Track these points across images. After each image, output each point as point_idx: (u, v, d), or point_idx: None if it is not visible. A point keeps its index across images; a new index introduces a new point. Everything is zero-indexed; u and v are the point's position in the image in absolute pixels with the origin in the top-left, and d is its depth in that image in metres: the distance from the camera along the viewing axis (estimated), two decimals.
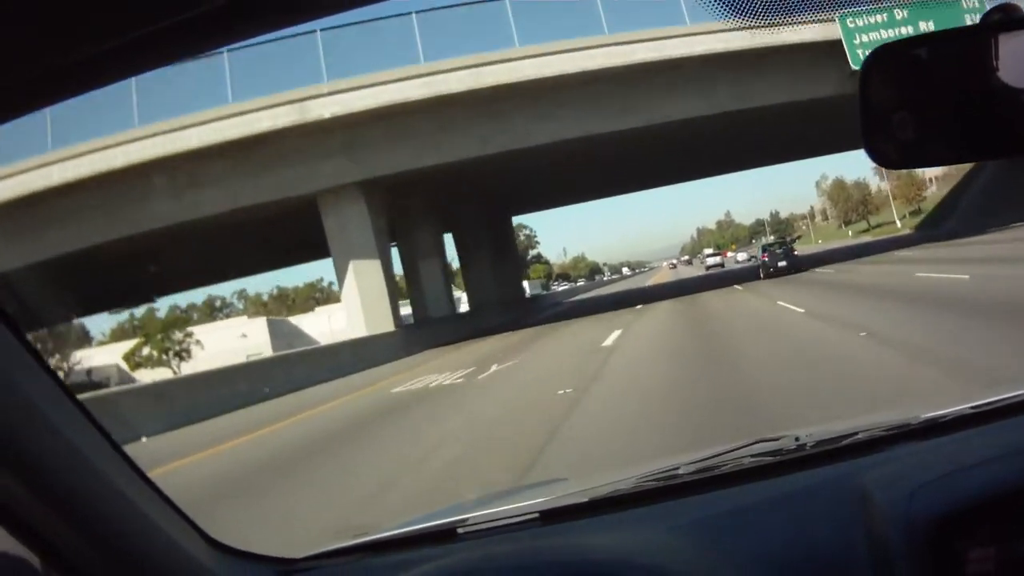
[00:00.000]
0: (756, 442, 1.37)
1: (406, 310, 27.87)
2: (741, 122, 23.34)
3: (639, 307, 22.55)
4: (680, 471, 1.31)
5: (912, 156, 0.87)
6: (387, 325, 21.54)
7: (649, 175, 38.07)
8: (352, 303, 21.98)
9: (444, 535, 1.30)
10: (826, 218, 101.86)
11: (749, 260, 43.04)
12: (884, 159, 0.85)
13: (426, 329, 24.95)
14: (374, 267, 21.62)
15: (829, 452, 1.24)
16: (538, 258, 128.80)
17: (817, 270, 24.21)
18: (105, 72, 0.70)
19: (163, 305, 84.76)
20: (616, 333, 14.91)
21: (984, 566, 0.88)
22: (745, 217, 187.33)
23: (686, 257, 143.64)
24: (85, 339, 50.13)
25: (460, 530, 1.29)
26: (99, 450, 0.94)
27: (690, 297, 23.01)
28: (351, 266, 21.63)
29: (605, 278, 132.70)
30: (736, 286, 23.63)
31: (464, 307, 38.39)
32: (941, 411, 1.28)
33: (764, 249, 27.99)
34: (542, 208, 48.62)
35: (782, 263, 25.46)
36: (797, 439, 1.32)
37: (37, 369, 0.88)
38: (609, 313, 22.22)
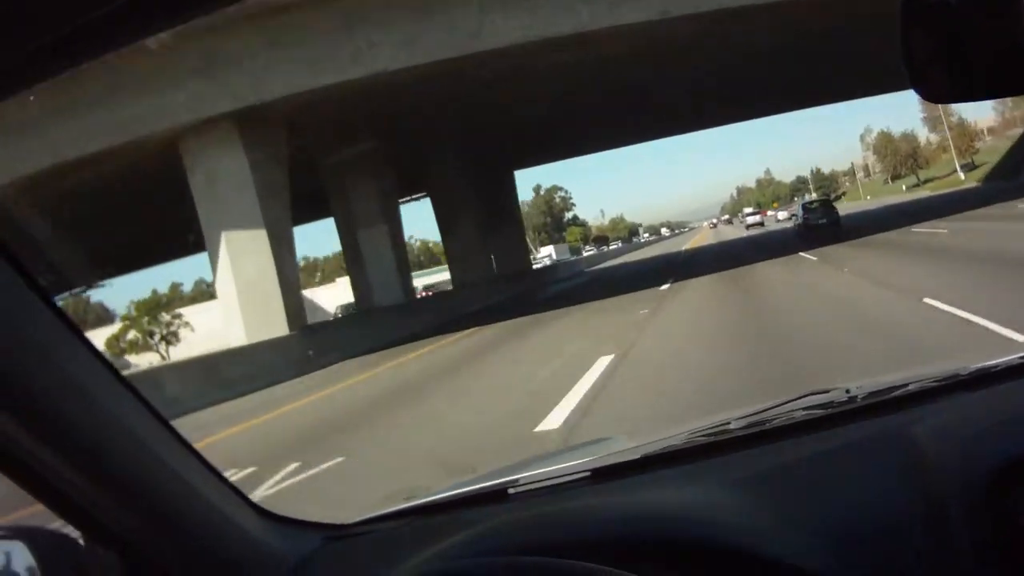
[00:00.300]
0: (806, 395, 1.35)
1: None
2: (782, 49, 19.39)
3: (667, 286, 16.03)
4: (731, 426, 1.31)
5: (961, 88, 0.82)
6: (277, 327, 14.38)
7: (676, 115, 30.54)
8: (227, 295, 14.84)
9: (495, 496, 1.31)
10: (869, 173, 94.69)
11: (790, 219, 42.07)
12: (931, 92, 0.83)
13: (358, 327, 18.02)
14: (257, 241, 14.40)
15: (880, 404, 1.24)
16: (574, 220, 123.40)
17: (914, 229, 17.79)
18: None
19: None
20: (605, 361, 7.61)
21: None
22: (786, 174, 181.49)
23: (726, 216, 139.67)
24: None
25: (511, 491, 1.30)
26: (139, 418, 0.95)
27: (738, 272, 16.13)
28: (223, 240, 14.52)
29: (642, 240, 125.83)
30: (804, 253, 16.91)
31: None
32: (991, 362, 1.26)
33: (803, 207, 28.06)
34: (552, 158, 40.92)
35: (822, 221, 25.33)
36: (848, 391, 1.31)
37: (72, 338, 0.87)
38: (624, 297, 15.55)
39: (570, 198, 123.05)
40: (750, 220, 64.08)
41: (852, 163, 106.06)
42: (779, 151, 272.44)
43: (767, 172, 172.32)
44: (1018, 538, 0.85)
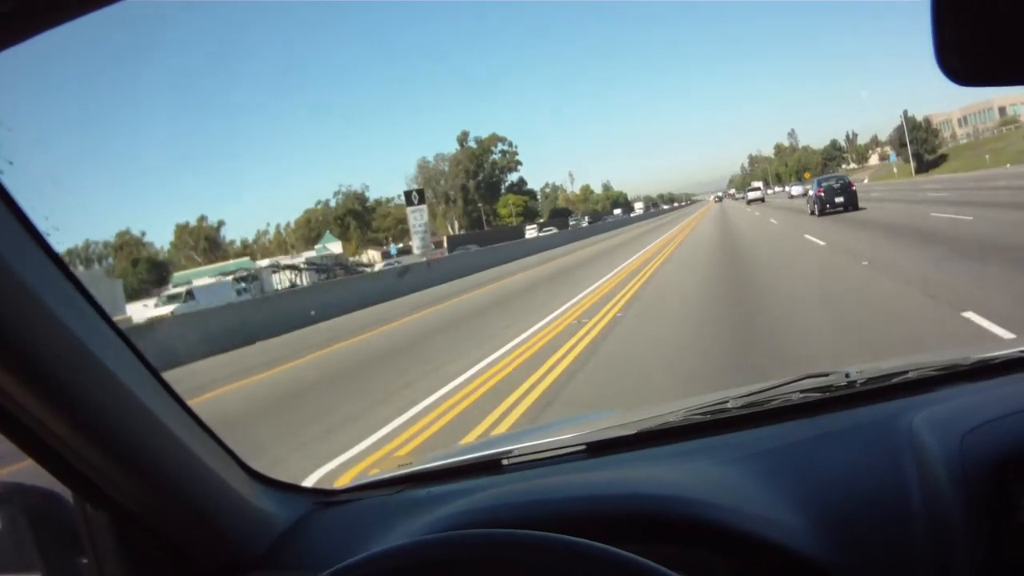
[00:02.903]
0: (805, 377, 1.34)
1: None
2: None
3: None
4: (728, 405, 1.29)
5: (985, 71, 0.79)
6: None
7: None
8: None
9: (489, 467, 1.29)
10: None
11: (804, 196, 39.24)
12: (957, 73, 0.79)
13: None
14: None
15: (879, 390, 1.23)
16: (519, 186, 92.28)
17: None
18: None
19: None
20: None
21: None
22: (816, 138, 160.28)
23: (732, 191, 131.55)
24: None
25: (505, 462, 1.29)
26: (134, 373, 0.92)
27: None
28: None
29: (610, 218, 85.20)
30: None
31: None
32: (991, 353, 1.25)
33: (819, 184, 26.78)
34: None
35: (839, 199, 24.73)
36: (847, 375, 1.29)
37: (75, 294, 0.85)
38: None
39: (516, 153, 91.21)
40: (751, 196, 63.16)
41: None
42: (807, 110, 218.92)
43: (791, 134, 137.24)
44: (1016, 532, 0.84)
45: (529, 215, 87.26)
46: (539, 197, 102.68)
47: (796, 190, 57.90)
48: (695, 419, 1.28)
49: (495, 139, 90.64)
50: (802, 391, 1.28)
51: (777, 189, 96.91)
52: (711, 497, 1.00)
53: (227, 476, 1.05)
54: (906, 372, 1.25)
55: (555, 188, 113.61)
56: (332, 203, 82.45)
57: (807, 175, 77.73)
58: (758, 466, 1.07)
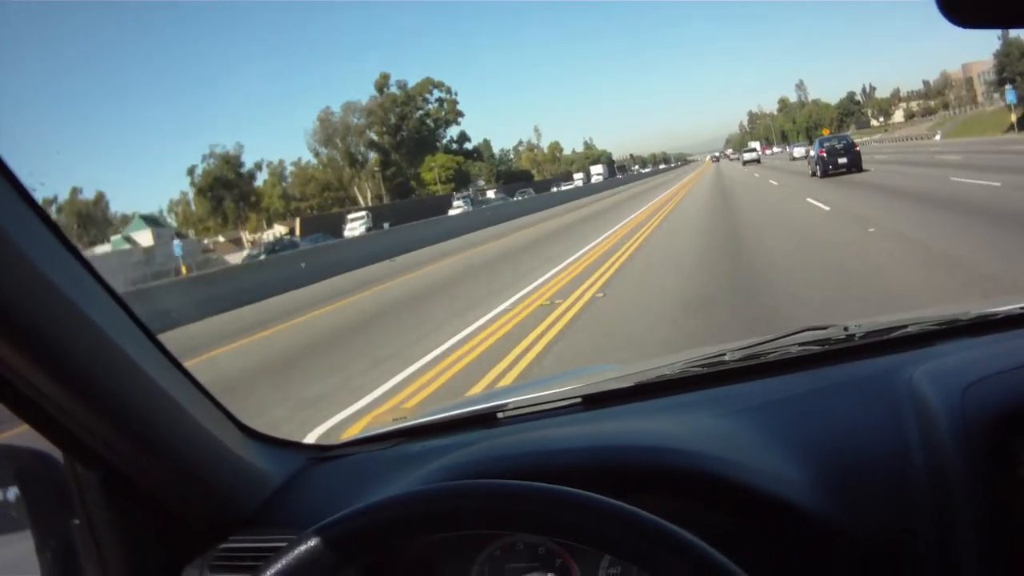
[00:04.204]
0: (804, 330, 1.32)
1: None
2: None
3: None
4: (726, 357, 1.28)
5: (993, 12, 0.76)
6: None
7: None
8: None
9: (484, 420, 1.29)
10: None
11: (806, 157, 37.89)
12: (961, 16, 0.76)
13: None
14: None
15: (877, 344, 1.21)
16: (459, 146, 70.55)
17: None
18: None
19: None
20: None
21: None
22: (825, 92, 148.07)
23: (729, 151, 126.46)
24: None
25: (500, 415, 1.29)
26: (125, 330, 0.91)
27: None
28: None
29: (558, 189, 67.43)
30: None
31: None
32: (992, 309, 1.24)
33: (820, 144, 25.99)
34: None
35: (842, 160, 24.11)
36: (846, 329, 1.28)
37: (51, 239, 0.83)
38: None
39: (456, 100, 69.98)
40: (746, 157, 62.30)
41: None
42: (822, 58, 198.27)
43: (800, 86, 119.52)
44: (1015, 487, 0.84)
45: (461, 180, 66.21)
46: (495, 157, 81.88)
47: (798, 151, 55.99)
48: (692, 371, 1.27)
49: (429, 85, 69.58)
50: (800, 344, 1.27)
51: (776, 150, 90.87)
52: (707, 449, 0.99)
53: (219, 433, 1.05)
54: (906, 326, 1.24)
55: (523, 147, 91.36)
56: (199, 170, 62.45)
57: (825, 131, 65.52)
58: (755, 419, 1.07)
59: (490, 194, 57.97)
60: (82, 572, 0.99)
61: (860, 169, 23.99)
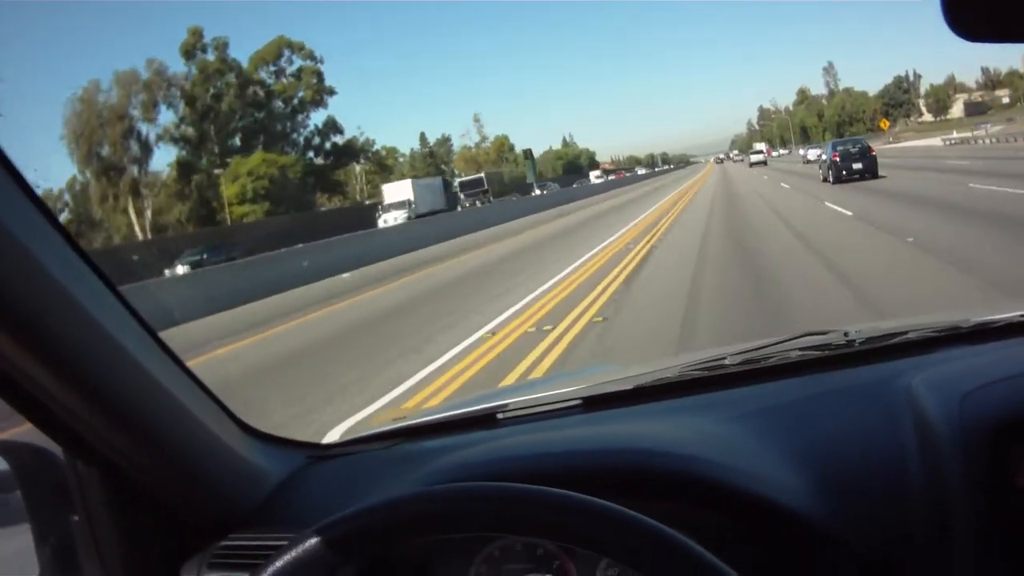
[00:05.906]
0: (804, 335, 1.33)
1: None
2: None
3: None
4: (726, 361, 1.28)
5: (997, 27, 0.76)
6: None
7: None
8: None
9: (484, 420, 1.29)
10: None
11: (819, 159, 33.97)
12: (966, 28, 0.76)
13: None
14: None
15: (877, 350, 1.22)
16: (325, 135, 45.73)
17: None
18: None
19: None
20: None
21: None
22: (867, 80, 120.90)
23: (735, 152, 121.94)
24: None
25: (500, 415, 1.28)
26: (126, 328, 0.90)
27: None
28: None
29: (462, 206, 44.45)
30: None
31: None
32: (992, 316, 1.24)
33: (834, 147, 24.93)
34: None
35: (856, 165, 23.17)
36: (846, 334, 1.28)
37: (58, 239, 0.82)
38: None
39: (319, 71, 45.51)
40: (753, 159, 61.48)
41: None
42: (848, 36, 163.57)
43: (830, 68, 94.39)
44: (1012, 496, 0.84)
45: (292, 198, 40.12)
46: (401, 156, 55.58)
47: (812, 153, 49.25)
48: (692, 375, 1.27)
49: (281, 46, 44.03)
50: (801, 349, 1.27)
51: (782, 151, 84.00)
52: (706, 453, 0.99)
53: (219, 431, 1.05)
54: (905, 332, 1.24)
55: (464, 140, 64.48)
56: None
57: (884, 123, 49.04)
58: (754, 423, 1.07)
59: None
60: (81, 568, 0.99)
61: (875, 175, 23.32)
